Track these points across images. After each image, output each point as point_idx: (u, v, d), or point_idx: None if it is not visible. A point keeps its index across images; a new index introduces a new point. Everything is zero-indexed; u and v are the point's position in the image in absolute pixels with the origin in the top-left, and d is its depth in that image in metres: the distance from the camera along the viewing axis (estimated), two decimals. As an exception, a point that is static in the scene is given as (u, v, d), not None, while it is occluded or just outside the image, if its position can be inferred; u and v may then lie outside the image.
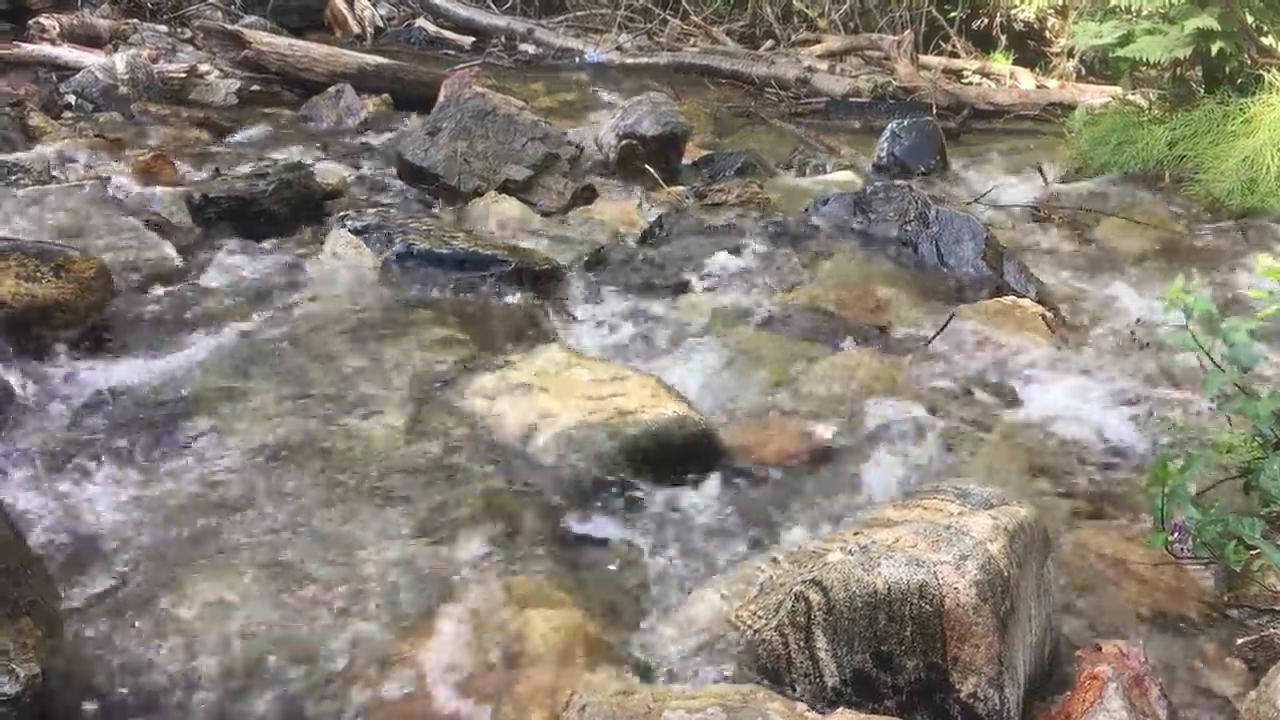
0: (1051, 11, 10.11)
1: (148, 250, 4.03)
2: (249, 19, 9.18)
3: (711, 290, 4.24)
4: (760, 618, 2.13)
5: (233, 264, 4.16)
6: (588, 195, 5.33)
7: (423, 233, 4.28)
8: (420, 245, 4.14)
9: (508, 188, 5.12)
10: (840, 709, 1.98)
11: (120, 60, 7.12)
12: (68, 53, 7.58)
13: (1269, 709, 1.88)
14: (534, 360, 3.37)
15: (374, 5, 10.50)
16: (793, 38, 10.38)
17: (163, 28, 8.98)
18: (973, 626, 1.96)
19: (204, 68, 7.54)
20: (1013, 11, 10.14)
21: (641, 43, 10.16)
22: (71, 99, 6.66)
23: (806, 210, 4.96)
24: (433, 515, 2.62)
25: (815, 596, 2.04)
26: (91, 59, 7.33)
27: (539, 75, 9.11)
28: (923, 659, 1.99)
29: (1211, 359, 2.37)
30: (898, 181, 5.23)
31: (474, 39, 10.22)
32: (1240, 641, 2.34)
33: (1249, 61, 6.11)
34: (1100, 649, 2.10)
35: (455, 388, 3.24)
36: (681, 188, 5.58)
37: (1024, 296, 4.16)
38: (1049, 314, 4.03)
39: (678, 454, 2.93)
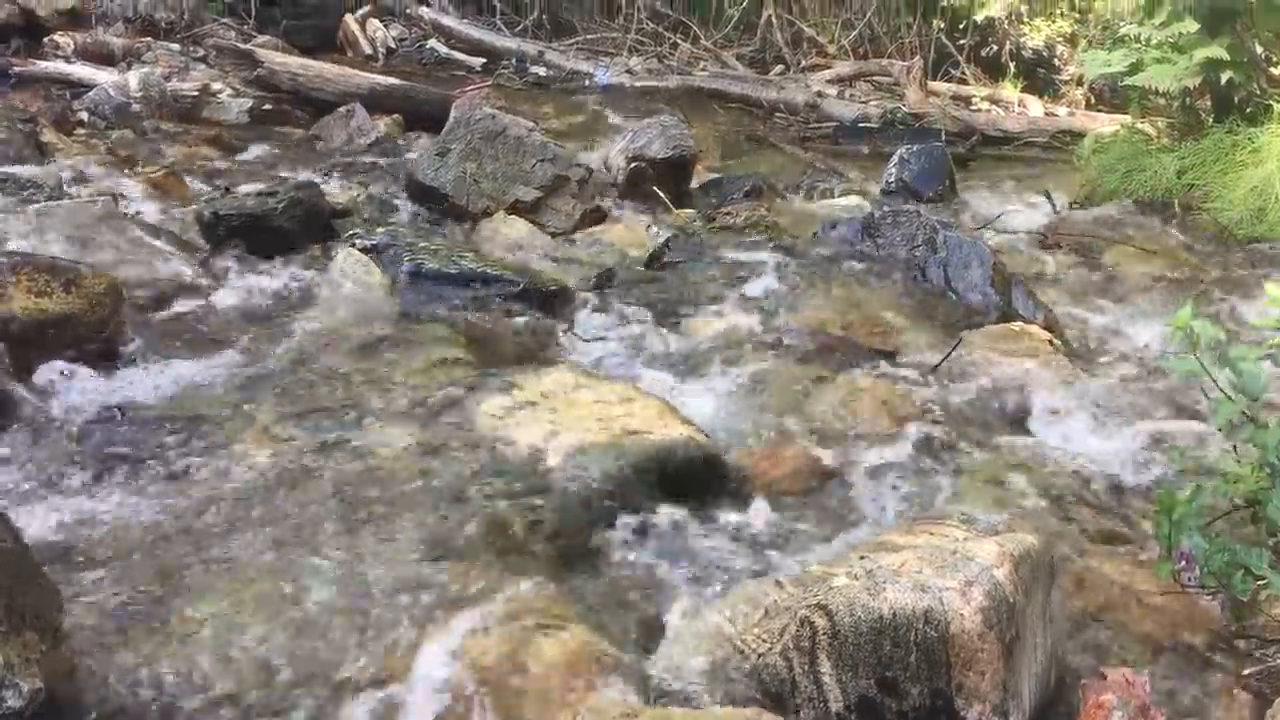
0: (1060, 39, 10.14)
1: (158, 266, 4.05)
2: (262, 38, 9.24)
3: (719, 313, 4.25)
4: (765, 641, 2.12)
5: (242, 281, 4.18)
6: (596, 217, 5.34)
7: (432, 252, 4.30)
8: (429, 264, 4.16)
9: (517, 208, 5.14)
10: (844, 734, 1.97)
11: (134, 78, 7.18)
12: (81, 70, 7.65)
13: (1276, 740, 1.87)
14: (542, 380, 3.37)
15: (386, 26, 10.57)
16: (802, 63, 10.42)
17: (176, 46, 9.04)
18: (978, 653, 1.96)
19: (216, 86, 7.60)
20: (1022, 39, 10.17)
21: (652, 66, 10.20)
22: (85, 115, 6.72)
23: (815, 234, 4.97)
24: (438, 533, 2.61)
25: (820, 621, 2.04)
26: (105, 76, 7.39)
27: (549, 97, 9.16)
28: (927, 685, 1.98)
29: (1220, 387, 2.36)
30: (906, 206, 5.24)
31: (485, 60, 10.27)
32: (1247, 672, 2.32)
33: (1258, 91, 6.13)
34: (1106, 677, 2.09)
35: (463, 407, 3.24)
36: (690, 210, 5.60)
37: (1031, 322, 4.16)
38: (1057, 340, 4.03)
39: (684, 476, 2.93)
